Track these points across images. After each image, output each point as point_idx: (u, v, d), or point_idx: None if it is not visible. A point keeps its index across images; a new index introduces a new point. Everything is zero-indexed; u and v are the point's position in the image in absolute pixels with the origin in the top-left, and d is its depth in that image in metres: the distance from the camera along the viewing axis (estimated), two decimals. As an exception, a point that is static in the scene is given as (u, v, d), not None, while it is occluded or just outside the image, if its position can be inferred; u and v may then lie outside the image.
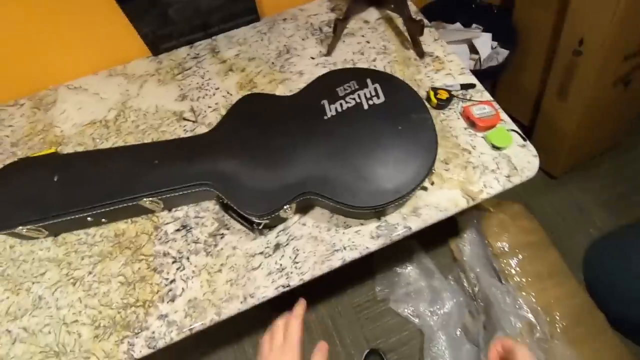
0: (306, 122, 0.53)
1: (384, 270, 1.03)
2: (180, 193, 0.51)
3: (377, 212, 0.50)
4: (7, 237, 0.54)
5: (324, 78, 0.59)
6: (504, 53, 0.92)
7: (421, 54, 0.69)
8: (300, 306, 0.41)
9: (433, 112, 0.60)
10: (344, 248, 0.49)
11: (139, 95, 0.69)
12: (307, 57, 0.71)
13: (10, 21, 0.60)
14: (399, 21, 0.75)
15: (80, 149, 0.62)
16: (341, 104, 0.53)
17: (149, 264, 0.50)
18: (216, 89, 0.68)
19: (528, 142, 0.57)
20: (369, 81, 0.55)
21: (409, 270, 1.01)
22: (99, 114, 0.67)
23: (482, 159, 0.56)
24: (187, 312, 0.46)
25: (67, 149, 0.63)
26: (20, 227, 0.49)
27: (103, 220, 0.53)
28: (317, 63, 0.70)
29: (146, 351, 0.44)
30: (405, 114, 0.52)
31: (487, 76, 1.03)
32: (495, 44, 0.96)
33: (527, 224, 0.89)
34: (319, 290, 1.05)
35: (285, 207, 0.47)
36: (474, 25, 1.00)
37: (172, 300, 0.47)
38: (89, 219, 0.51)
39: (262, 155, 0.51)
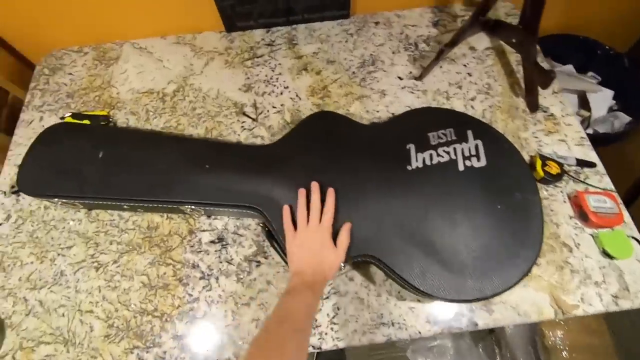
0: (384, 167, 0.44)
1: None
2: (226, 210, 0.46)
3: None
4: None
5: (415, 115, 0.49)
6: (624, 119, 0.76)
7: (534, 106, 0.57)
8: (331, 197, 0.42)
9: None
10: (392, 324, 0.42)
11: (202, 73, 0.63)
12: (394, 75, 0.61)
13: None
14: (514, 57, 0.62)
15: (132, 119, 0.58)
16: (431, 156, 0.44)
17: (176, 272, 0.46)
18: (285, 88, 0.61)
19: None
20: (470, 134, 0.45)
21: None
22: (158, 83, 0.62)
23: (586, 264, 0.45)
24: (204, 342, 0.42)
25: (119, 115, 0.59)
26: (57, 200, 0.47)
27: (139, 210, 0.49)
28: (404, 86, 0.60)
29: (154, 371, 0.41)
30: (509, 190, 0.42)
31: (597, 142, 0.85)
32: (614, 103, 0.79)
33: (593, 322, 0.76)
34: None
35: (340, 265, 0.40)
36: (590, 74, 0.83)
37: (191, 321, 0.43)
38: (125, 206, 0.48)
39: (323, 194, 0.43)
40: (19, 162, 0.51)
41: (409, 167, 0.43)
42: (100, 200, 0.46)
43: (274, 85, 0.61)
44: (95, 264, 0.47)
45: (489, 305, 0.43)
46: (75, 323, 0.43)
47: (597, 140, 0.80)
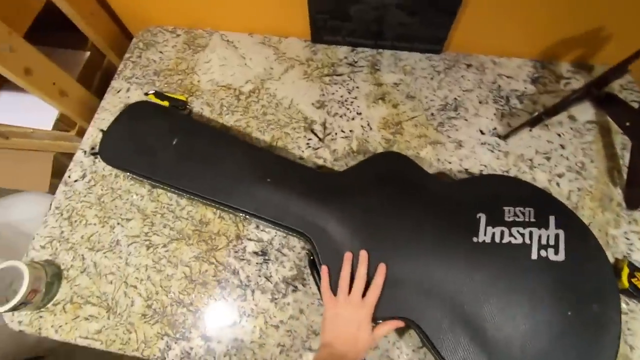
0: (449, 231, 0.42)
1: None
2: (276, 228, 0.46)
3: None
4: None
5: (495, 182, 0.46)
6: None
7: (635, 203, 0.50)
8: (381, 276, 0.40)
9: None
10: None
11: (280, 79, 0.63)
12: (476, 127, 0.58)
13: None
14: (620, 139, 0.56)
15: (206, 109, 0.60)
16: (502, 233, 0.41)
17: (216, 273, 0.48)
18: (357, 114, 0.59)
19: None
20: (552, 221, 0.41)
21: None
22: (237, 80, 0.63)
23: None
24: (229, 351, 0.43)
25: (196, 103, 0.61)
26: (128, 174, 0.50)
27: (197, 200, 0.51)
28: (484, 142, 0.56)
29: (178, 363, 0.43)
30: (586, 298, 0.37)
31: None
32: None
33: None
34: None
35: (378, 321, 0.39)
36: None
37: (221, 327, 0.44)
38: (186, 196, 0.50)
39: (380, 241, 0.42)
40: (102, 126, 0.55)
41: (474, 239, 0.41)
42: (166, 185, 0.49)
43: (347, 109, 0.60)
44: (147, 243, 0.50)
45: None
46: (119, 293, 0.47)
47: None
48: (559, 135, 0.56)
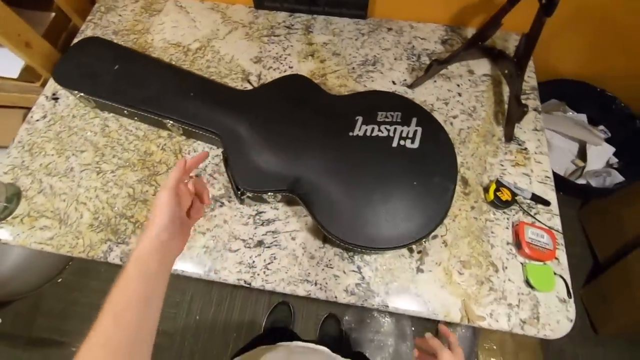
0: (331, 129, 0.52)
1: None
2: (196, 131, 0.56)
3: (346, 248, 0.50)
4: (74, 107, 0.64)
5: (375, 95, 0.57)
6: (617, 177, 0.77)
7: (509, 137, 0.61)
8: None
9: (483, 206, 0.55)
10: (315, 283, 0.50)
11: (224, 39, 0.71)
12: (389, 79, 0.67)
13: None
14: (506, 89, 0.66)
15: (157, 63, 0.69)
16: (372, 129, 0.51)
17: (155, 192, 0.56)
18: (289, 67, 0.68)
19: (572, 300, 0.49)
20: (414, 121, 0.52)
21: (385, 321, 0.96)
22: (186, 39, 0.71)
23: (506, 286, 0.50)
24: (160, 250, 0.51)
25: (148, 58, 0.69)
26: (76, 92, 0.59)
27: (135, 118, 0.61)
28: (395, 90, 0.65)
29: (117, 261, 0.51)
30: (429, 174, 0.48)
31: (582, 192, 0.86)
32: (615, 160, 0.79)
33: (527, 341, 0.78)
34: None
35: (269, 193, 0.49)
36: (601, 127, 0.83)
37: (155, 233, 0.53)
38: (125, 111, 0.59)
39: (276, 137, 0.52)
40: (62, 76, 0.63)
41: (350, 133, 0.51)
42: (108, 100, 0.57)
43: (281, 63, 0.68)
44: (97, 169, 0.58)
45: (404, 293, 0.49)
46: (71, 209, 0.55)
47: (585, 191, 0.81)
48: (458, 85, 0.66)
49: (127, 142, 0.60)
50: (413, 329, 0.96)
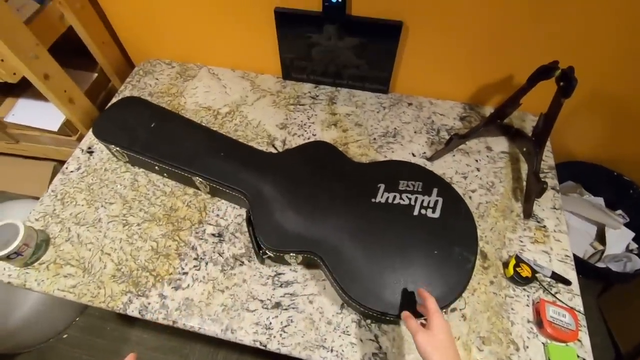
0: (354, 194, 0.71)
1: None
2: (223, 189, 0.75)
3: (364, 314, 0.64)
4: (107, 161, 0.85)
5: (396, 165, 0.78)
6: (637, 263, 0.93)
7: (528, 214, 0.79)
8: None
9: (502, 282, 0.70)
10: (331, 350, 0.63)
11: (252, 105, 0.97)
12: (409, 150, 0.89)
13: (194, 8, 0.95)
14: (525, 167, 0.87)
15: (188, 124, 0.93)
16: (394, 197, 0.70)
17: (178, 248, 0.73)
18: (313, 135, 0.91)
19: None
20: (434, 191, 0.70)
21: None
22: (217, 103, 0.97)
23: None
24: (180, 307, 0.66)
25: (180, 119, 0.94)
26: (112, 146, 0.80)
27: (165, 174, 0.82)
28: (415, 162, 0.87)
29: (136, 314, 0.66)
30: (450, 243, 0.64)
31: (602, 276, 1.02)
32: (635, 246, 0.97)
33: None
34: None
35: (291, 254, 0.65)
36: (619, 212, 1.03)
37: (176, 288, 0.68)
38: (156, 167, 0.80)
39: (300, 199, 0.71)
40: (101, 132, 0.86)
41: (373, 200, 0.70)
42: (141, 155, 0.78)
43: (305, 131, 0.92)
44: (124, 222, 0.76)
45: (420, 366, 0.61)
46: (95, 259, 0.71)
47: (605, 275, 0.95)
48: (476, 160, 0.88)
49: (154, 197, 0.80)
50: None
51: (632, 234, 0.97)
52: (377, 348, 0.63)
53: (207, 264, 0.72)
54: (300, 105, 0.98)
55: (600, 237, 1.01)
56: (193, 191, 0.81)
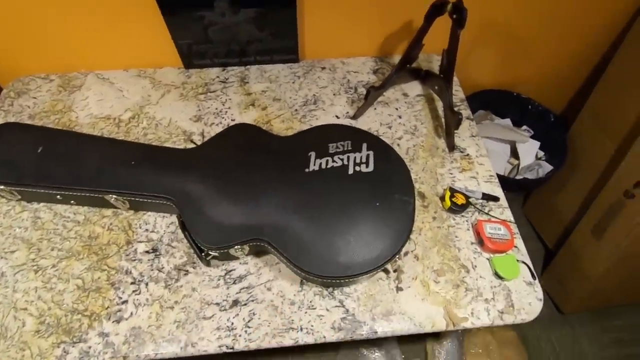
0: (287, 168, 0.66)
1: (349, 346, 1.14)
2: (145, 200, 0.66)
3: (324, 284, 0.61)
4: (-7, 205, 0.70)
5: (322, 129, 0.74)
6: (546, 167, 1.04)
7: (451, 147, 0.82)
8: None
9: (442, 215, 0.72)
10: (301, 329, 0.60)
11: (158, 103, 0.86)
12: (332, 114, 0.86)
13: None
14: (440, 105, 0.89)
15: (87, 140, 0.79)
16: (327, 161, 0.66)
17: (109, 277, 0.63)
18: (232, 120, 0.84)
19: (537, 281, 0.65)
20: (364, 146, 0.68)
21: (375, 356, 1.12)
22: (116, 110, 0.84)
23: (479, 284, 0.65)
24: (127, 339, 0.58)
25: (76, 136, 0.79)
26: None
27: (72, 202, 0.69)
28: (340, 124, 0.84)
29: (77, 363, 0.55)
30: (389, 192, 0.64)
31: (522, 187, 1.13)
32: (542, 154, 1.07)
33: (514, 355, 0.96)
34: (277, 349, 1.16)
35: (236, 247, 0.59)
36: (524, 127, 1.13)
37: (118, 321, 0.59)
38: (57, 196, 0.67)
39: (232, 188, 0.64)
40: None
41: (306, 170, 0.66)
42: (34, 188, 0.65)
43: (222, 117, 0.84)
44: (35, 267, 0.64)
45: (390, 315, 0.61)
46: (9, 318, 0.59)
47: (524, 185, 1.07)
48: (396, 109, 0.88)
49: (65, 231, 0.67)
50: (403, 356, 1.14)
51: (538, 143, 1.08)
52: (344, 312, 0.61)
53: (147, 284, 0.63)
54: (211, 92, 0.89)
55: (514, 153, 1.11)
56: (112, 211, 0.70)
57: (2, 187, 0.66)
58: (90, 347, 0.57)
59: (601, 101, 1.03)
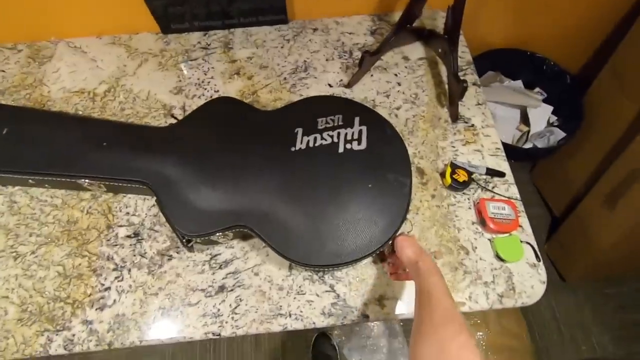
0: (271, 148, 0.60)
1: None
2: (119, 184, 0.61)
3: (316, 270, 0.57)
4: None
5: (310, 101, 0.66)
6: (559, 134, 0.94)
7: (455, 117, 0.73)
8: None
9: (442, 192, 0.66)
10: (289, 315, 0.56)
11: (135, 74, 0.78)
12: (325, 82, 0.77)
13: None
14: (444, 69, 0.79)
15: (61, 117, 0.73)
16: (315, 139, 0.59)
17: (91, 263, 0.60)
18: (215, 92, 0.76)
19: (541, 263, 0.60)
20: (356, 121, 0.61)
21: (374, 325, 1.12)
22: (90, 83, 0.77)
23: (479, 266, 0.60)
24: (111, 327, 0.55)
25: (49, 113, 0.73)
26: None
27: (46, 186, 0.64)
28: (333, 93, 0.76)
29: (61, 351, 0.54)
30: (382, 172, 0.57)
31: (530, 155, 1.04)
32: (554, 118, 0.98)
33: (513, 325, 0.95)
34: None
35: (217, 234, 0.55)
36: (536, 89, 1.01)
37: (101, 308, 0.56)
38: (30, 181, 0.63)
39: (212, 171, 0.59)
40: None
41: (292, 149, 0.59)
42: (4, 173, 0.60)
43: (205, 89, 0.76)
44: (14, 254, 0.60)
45: (383, 300, 0.58)
46: (-10, 308, 0.56)
47: (533, 153, 0.98)
48: (396, 75, 0.78)
49: (43, 215, 0.63)
50: (402, 324, 1.16)
51: (551, 108, 0.98)
52: (335, 297, 0.57)
53: (129, 270, 0.59)
54: (192, 60, 0.80)
55: (524, 119, 1.01)
56: (90, 194, 0.65)
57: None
58: (74, 335, 0.55)
59: (626, 59, 0.91)
